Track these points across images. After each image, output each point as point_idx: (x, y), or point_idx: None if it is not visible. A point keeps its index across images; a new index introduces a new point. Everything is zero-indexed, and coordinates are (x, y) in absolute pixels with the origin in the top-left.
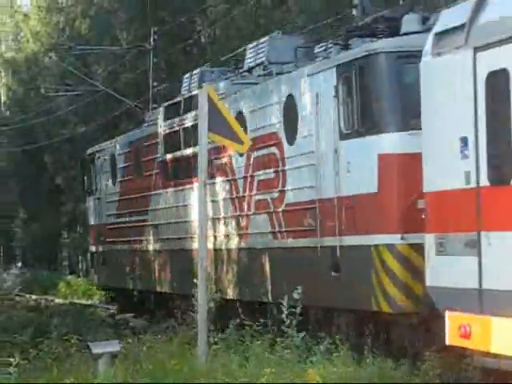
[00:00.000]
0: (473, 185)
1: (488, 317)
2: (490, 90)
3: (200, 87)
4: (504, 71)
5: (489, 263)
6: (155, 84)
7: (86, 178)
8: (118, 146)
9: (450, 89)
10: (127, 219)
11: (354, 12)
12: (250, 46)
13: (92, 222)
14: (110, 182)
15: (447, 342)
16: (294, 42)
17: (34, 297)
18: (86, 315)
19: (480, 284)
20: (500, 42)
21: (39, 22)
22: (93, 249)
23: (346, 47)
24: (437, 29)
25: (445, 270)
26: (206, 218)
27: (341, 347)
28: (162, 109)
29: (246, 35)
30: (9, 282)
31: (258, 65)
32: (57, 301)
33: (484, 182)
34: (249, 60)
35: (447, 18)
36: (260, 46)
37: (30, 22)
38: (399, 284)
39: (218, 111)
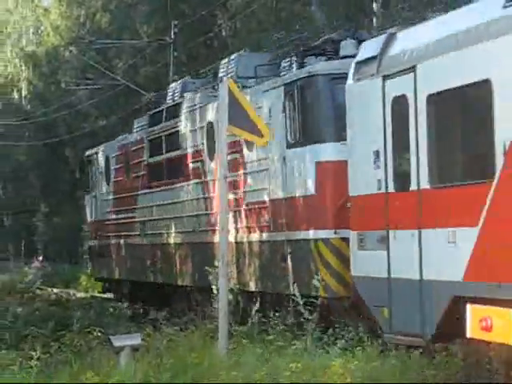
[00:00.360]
0: (383, 190)
1: (509, 310)
2: (395, 112)
3: (182, 97)
4: (404, 96)
5: (395, 257)
6: (175, 77)
7: (84, 177)
8: (111, 150)
9: (366, 109)
10: (119, 216)
11: (374, 6)
12: (222, 61)
13: (89, 218)
14: (104, 182)
15: (468, 335)
16: (260, 59)
17: (55, 290)
18: (107, 308)
19: (389, 274)
20: (400, 72)
21: (60, 15)
22: (90, 242)
23: (302, 65)
24: (357, 58)
25: (364, 262)
26: (227, 211)
27: (359, 338)
28: (147, 116)
29: (266, 28)
30: (30, 276)
31: (234, 69)
32: (78, 294)
33: (391, 188)
34: (221, 74)
35: (365, 50)
36: (230, 61)
37: (51, 15)
38: (333, 272)
39: (239, 104)
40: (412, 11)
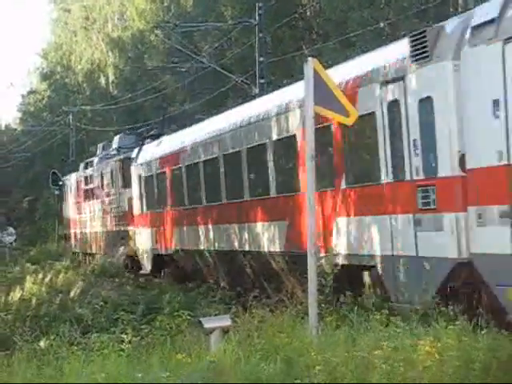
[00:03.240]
0: (145, 211)
1: None
2: (144, 181)
3: (98, 155)
4: (140, 177)
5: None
6: (261, 59)
7: (61, 192)
8: (70, 179)
9: (141, 178)
10: (75, 215)
11: None
12: (115, 137)
13: (64, 216)
14: (70, 196)
15: None
16: (130, 140)
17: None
18: (195, 291)
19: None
20: (147, 163)
21: (144, 0)
22: (65, 232)
23: (143, 144)
24: (131, 156)
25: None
26: (314, 191)
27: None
28: (83, 163)
29: (352, 7)
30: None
31: (114, 149)
32: None
33: (144, 210)
34: (112, 146)
35: (135, 154)
36: (117, 138)
37: (135, 0)
38: (134, 245)
39: (324, 84)
40: None
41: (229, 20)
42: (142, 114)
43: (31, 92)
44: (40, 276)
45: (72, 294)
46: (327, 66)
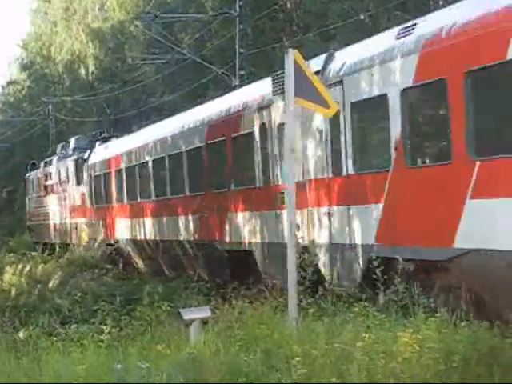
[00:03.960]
0: (94, 205)
1: None
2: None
3: (56, 154)
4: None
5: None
6: (242, 50)
7: (25, 187)
8: (32, 176)
9: (91, 176)
10: (37, 209)
11: None
12: (72, 139)
13: (27, 209)
14: (33, 191)
15: None
16: (84, 141)
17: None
18: (175, 282)
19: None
20: (97, 163)
21: None
22: (28, 224)
23: (93, 146)
24: (84, 156)
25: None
26: (294, 185)
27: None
28: (43, 162)
29: None
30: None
31: (71, 149)
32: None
33: (94, 205)
34: (70, 146)
35: (87, 155)
36: (74, 139)
37: None
38: (87, 234)
39: (305, 75)
40: None
41: (209, 11)
42: (121, 105)
43: (11, 82)
44: (19, 266)
45: (51, 284)
46: (308, 58)
